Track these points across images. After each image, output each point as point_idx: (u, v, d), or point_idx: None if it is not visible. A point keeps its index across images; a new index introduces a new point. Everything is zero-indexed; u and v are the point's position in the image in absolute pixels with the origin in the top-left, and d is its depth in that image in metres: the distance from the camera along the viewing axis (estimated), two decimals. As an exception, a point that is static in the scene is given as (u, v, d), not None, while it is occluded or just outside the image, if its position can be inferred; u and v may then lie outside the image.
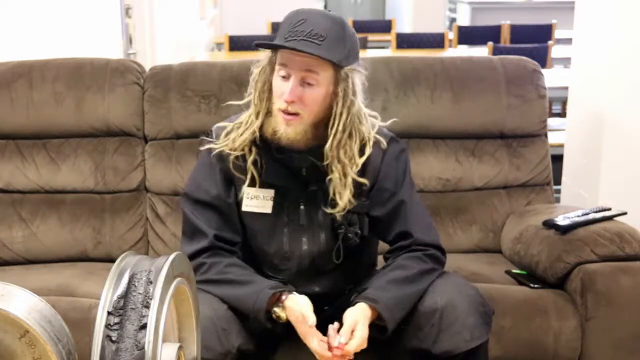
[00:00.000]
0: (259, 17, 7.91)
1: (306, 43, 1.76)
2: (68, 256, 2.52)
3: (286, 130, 1.83)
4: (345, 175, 1.87)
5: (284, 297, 1.85)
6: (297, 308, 1.82)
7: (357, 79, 1.86)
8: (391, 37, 6.42)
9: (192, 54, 6.22)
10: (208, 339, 1.72)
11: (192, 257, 1.89)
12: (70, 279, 2.33)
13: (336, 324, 1.81)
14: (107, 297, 1.03)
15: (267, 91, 1.87)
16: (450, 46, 6.38)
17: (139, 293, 1.04)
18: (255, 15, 8.33)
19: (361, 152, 1.90)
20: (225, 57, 5.90)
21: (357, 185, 1.90)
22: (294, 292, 1.86)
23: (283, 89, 1.81)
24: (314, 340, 1.80)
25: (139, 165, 2.58)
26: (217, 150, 1.93)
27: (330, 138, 1.84)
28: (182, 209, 2.02)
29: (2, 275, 2.36)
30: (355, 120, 1.87)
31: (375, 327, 1.85)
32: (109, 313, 1.02)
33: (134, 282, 1.05)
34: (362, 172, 1.90)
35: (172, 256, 1.12)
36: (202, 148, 1.98)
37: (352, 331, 1.78)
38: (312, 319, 1.80)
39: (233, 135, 1.91)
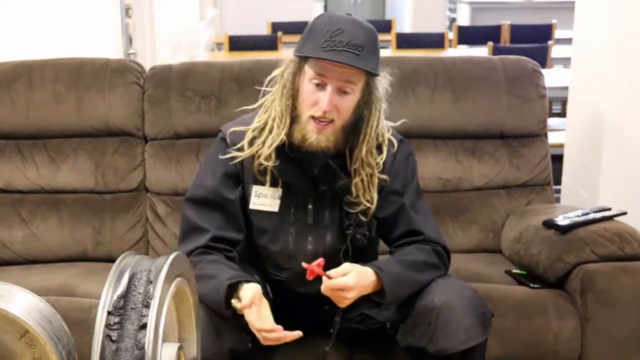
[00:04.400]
0: (259, 17, 7.91)
1: (347, 54, 1.77)
2: (68, 256, 2.52)
3: (318, 137, 1.85)
4: (372, 176, 1.91)
5: (240, 287, 1.76)
6: (247, 295, 1.72)
7: (381, 85, 1.90)
8: (391, 37, 6.41)
9: (192, 54, 6.22)
10: (201, 339, 1.70)
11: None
12: (70, 279, 2.32)
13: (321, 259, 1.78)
14: (107, 297, 1.03)
15: (292, 97, 1.87)
16: (450, 46, 6.38)
17: (139, 293, 1.04)
18: (255, 15, 8.33)
19: (378, 149, 1.94)
20: (225, 57, 5.90)
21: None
22: (250, 282, 1.78)
23: (317, 97, 1.82)
24: (251, 313, 1.70)
25: (139, 165, 2.58)
26: (240, 158, 1.92)
27: (365, 144, 1.88)
28: (182, 213, 2.00)
29: (2, 275, 2.36)
30: (381, 125, 1.93)
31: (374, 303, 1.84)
32: (109, 313, 1.02)
33: (134, 282, 1.06)
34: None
35: (172, 256, 1.12)
36: (224, 157, 1.94)
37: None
38: (246, 302, 1.71)
39: (259, 141, 1.90)
